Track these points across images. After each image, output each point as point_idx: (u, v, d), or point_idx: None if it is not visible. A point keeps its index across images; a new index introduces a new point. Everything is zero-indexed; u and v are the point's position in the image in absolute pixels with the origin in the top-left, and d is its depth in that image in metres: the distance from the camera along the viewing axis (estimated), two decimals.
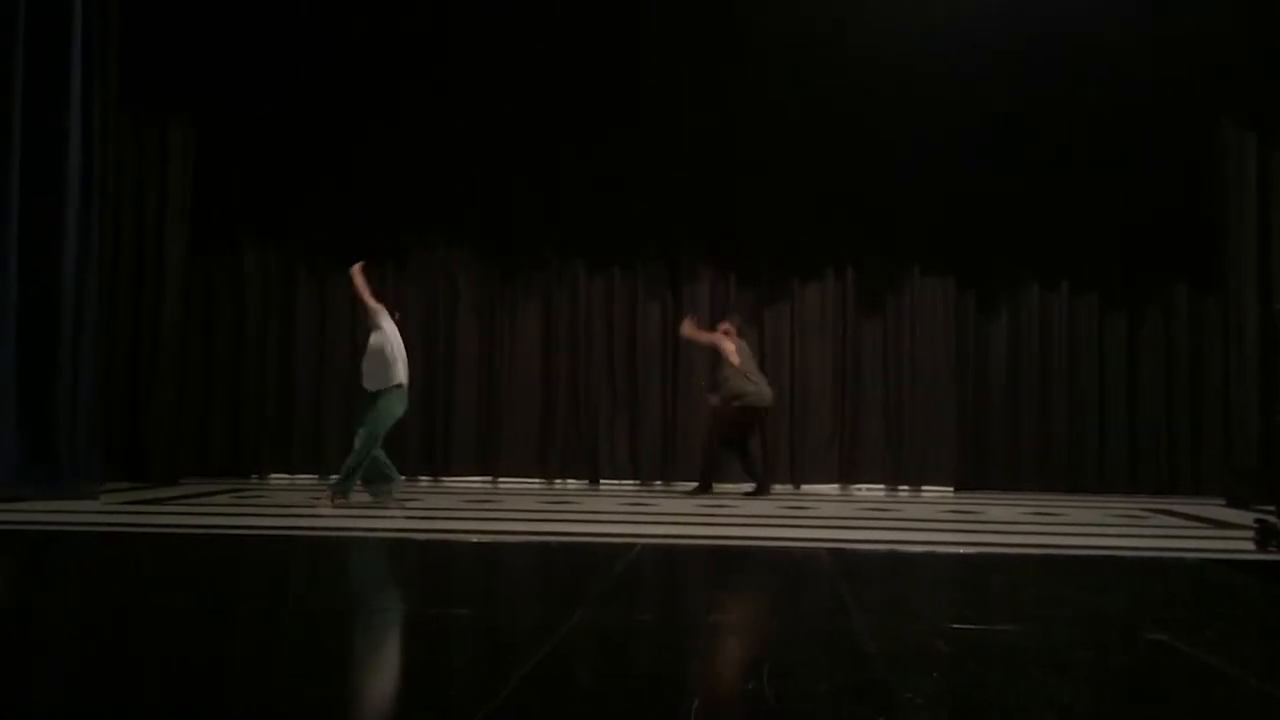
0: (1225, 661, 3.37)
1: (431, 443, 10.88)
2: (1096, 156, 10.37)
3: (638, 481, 10.74)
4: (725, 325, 9.73)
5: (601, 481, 10.72)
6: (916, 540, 6.47)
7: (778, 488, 10.52)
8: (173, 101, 10.12)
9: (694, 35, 10.60)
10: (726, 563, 5.80)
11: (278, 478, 10.65)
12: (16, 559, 5.62)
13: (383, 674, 3.28)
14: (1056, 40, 10.04)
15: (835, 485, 10.58)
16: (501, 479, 10.70)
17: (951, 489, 10.48)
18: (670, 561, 5.72)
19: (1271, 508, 6.97)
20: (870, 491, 10.26)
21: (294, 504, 8.31)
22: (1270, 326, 9.21)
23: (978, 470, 10.65)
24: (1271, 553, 5.98)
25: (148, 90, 9.88)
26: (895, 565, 5.68)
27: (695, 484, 9.64)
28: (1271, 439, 8.89)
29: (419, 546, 6.13)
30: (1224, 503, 9.25)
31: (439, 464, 10.80)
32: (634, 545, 5.85)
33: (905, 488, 10.57)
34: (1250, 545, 6.16)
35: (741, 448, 9.46)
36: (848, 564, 5.59)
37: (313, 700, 2.87)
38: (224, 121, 10.51)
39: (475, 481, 10.65)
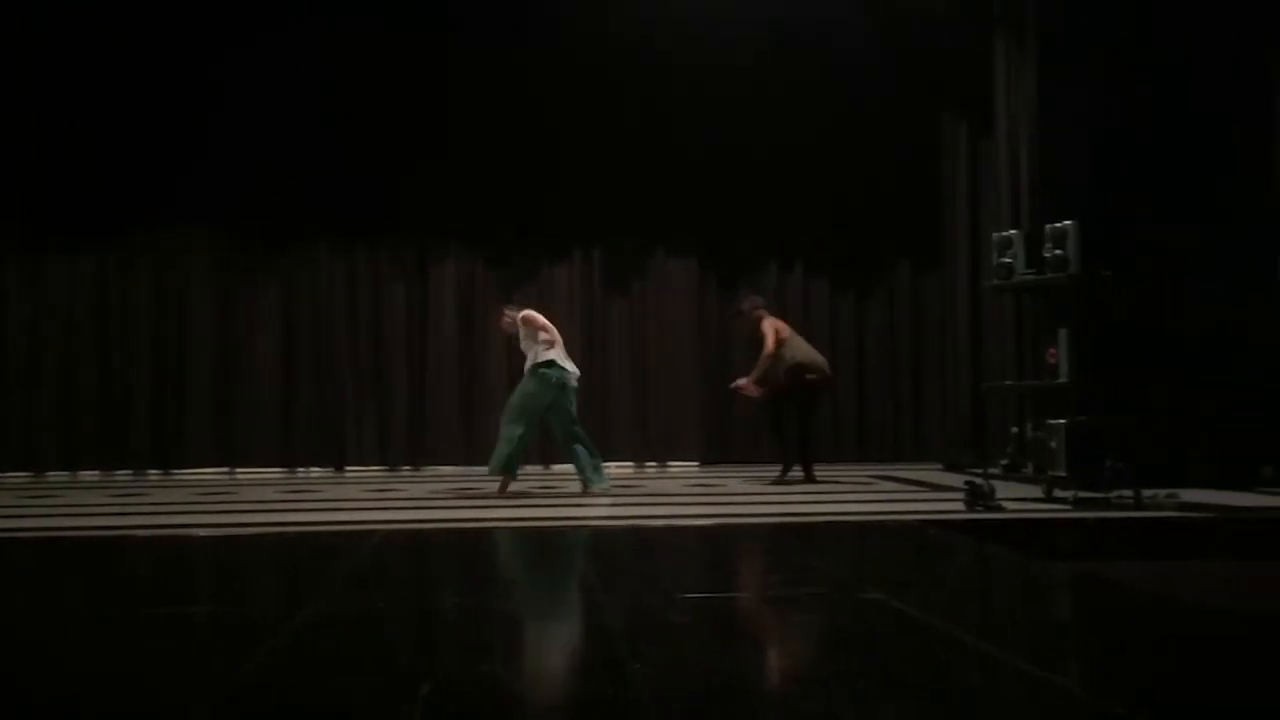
0: (933, 615, 3.60)
1: (162, 434, 10.30)
2: (828, 144, 10.81)
3: (386, 467, 10.52)
4: (758, 309, 8.89)
5: (347, 468, 10.44)
6: (659, 515, 6.62)
7: (529, 469, 10.54)
8: None
9: (444, 14, 10.41)
10: (469, 545, 5.75)
11: None
12: None
13: (96, 677, 3.07)
14: (792, 32, 10.43)
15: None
16: (239, 469, 10.24)
17: (697, 464, 10.80)
18: (412, 547, 5.63)
19: (980, 471, 7.56)
20: (619, 469, 10.42)
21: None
22: (978, 304, 9.95)
23: (721, 445, 11.01)
24: (979, 512, 6.47)
25: None
26: (637, 540, 5.79)
27: (803, 473, 8.66)
28: (980, 407, 9.62)
29: (142, 544, 5.77)
30: (942, 467, 9.92)
31: (170, 455, 10.23)
32: (374, 532, 5.72)
33: (653, 464, 10.82)
34: (961, 506, 6.64)
35: (782, 424, 8.79)
36: (591, 541, 5.66)
37: (33, 702, 2.66)
38: None
39: (211, 473, 10.15)
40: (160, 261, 10.49)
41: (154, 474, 10.10)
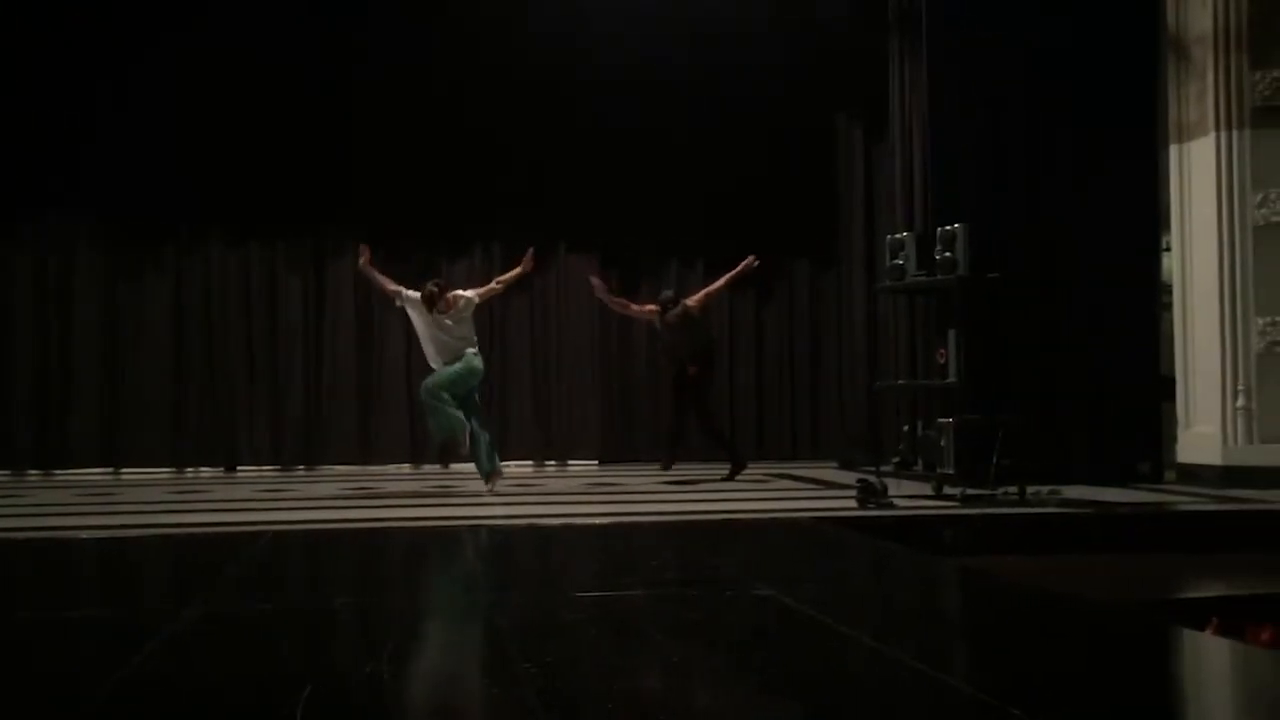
0: (822, 611, 3.66)
1: (44, 432, 9.94)
2: (729, 144, 10.88)
3: (279, 467, 10.31)
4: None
5: (239, 468, 10.20)
6: (557, 513, 6.61)
7: (429, 468, 10.44)
8: None
9: (342, 7, 10.26)
10: (363, 545, 5.68)
11: None
12: None
13: None
14: (693, 33, 10.50)
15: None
16: (126, 469, 9.94)
17: (597, 462, 10.80)
18: (304, 548, 5.53)
19: (873, 469, 7.70)
20: (520, 467, 10.37)
21: None
22: (873, 304, 10.14)
23: (622, 443, 11.00)
24: (871, 509, 6.60)
25: None
26: (533, 539, 5.78)
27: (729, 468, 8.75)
28: (874, 406, 9.80)
29: (21, 547, 5.57)
30: (837, 465, 10.07)
31: (52, 455, 9.87)
32: (264, 533, 5.60)
33: (553, 462, 10.79)
34: (854, 503, 6.76)
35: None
36: (487, 540, 5.63)
37: None
38: None
39: (95, 473, 9.82)
40: (42, 253, 10.12)
41: (34, 475, 9.73)
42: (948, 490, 7.23)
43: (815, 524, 6.19)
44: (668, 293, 9.18)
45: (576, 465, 10.71)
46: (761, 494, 7.86)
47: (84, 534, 5.85)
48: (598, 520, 6.31)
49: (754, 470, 9.10)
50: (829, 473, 9.50)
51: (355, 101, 10.39)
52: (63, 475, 9.70)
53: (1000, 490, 7.03)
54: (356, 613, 3.81)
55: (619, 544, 5.61)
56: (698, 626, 3.53)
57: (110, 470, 9.92)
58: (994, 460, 6.97)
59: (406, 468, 10.45)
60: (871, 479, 6.90)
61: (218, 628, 3.54)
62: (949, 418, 7.35)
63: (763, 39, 10.57)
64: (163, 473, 9.90)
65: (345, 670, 2.94)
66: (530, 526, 6.10)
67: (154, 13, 9.92)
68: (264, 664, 3.07)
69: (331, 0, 10.31)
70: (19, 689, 2.87)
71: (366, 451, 10.53)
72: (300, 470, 10.24)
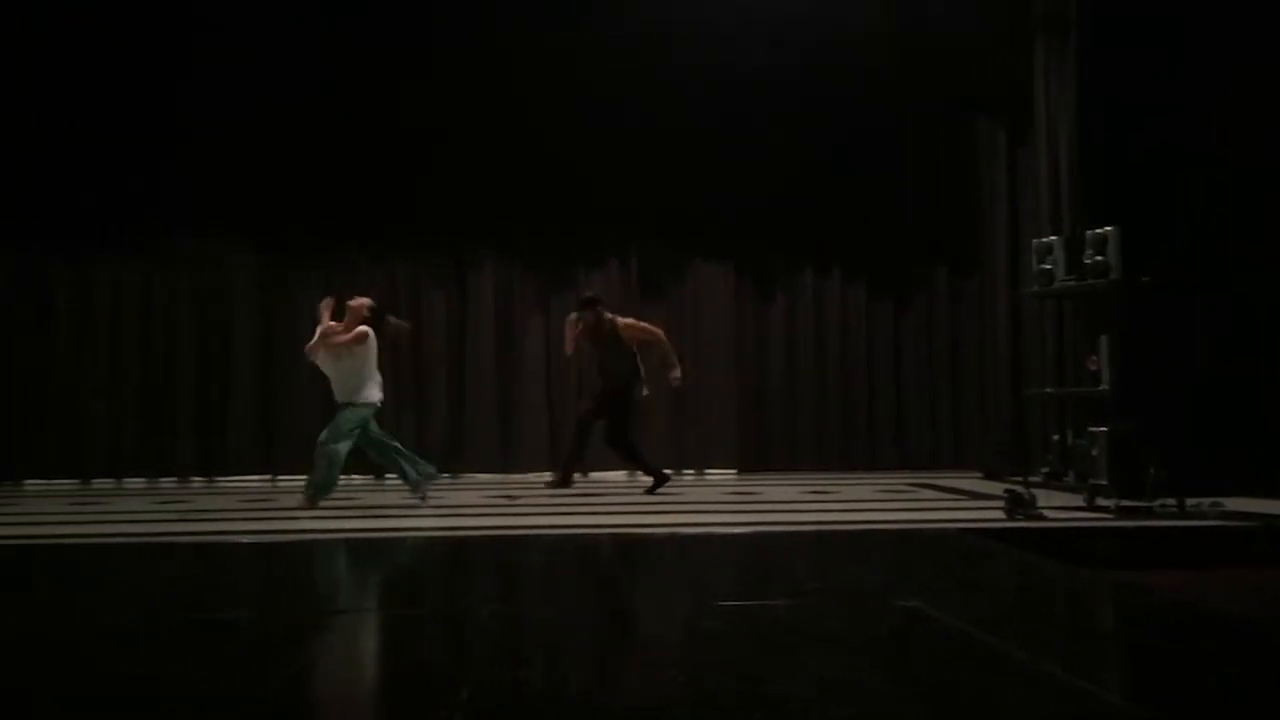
0: (968, 623, 3.59)
1: (206, 442, 10.43)
2: (865, 150, 10.75)
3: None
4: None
5: (387, 476, 10.48)
6: (697, 523, 6.62)
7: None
8: None
9: (481, 22, 10.52)
10: (510, 551, 5.79)
11: None
12: None
13: (131, 682, 3.12)
14: (826, 38, 10.41)
15: (623, 472, 10.68)
16: (282, 477, 10.34)
17: (735, 471, 10.78)
18: (453, 553, 5.67)
19: (1021, 479, 7.49)
20: None
21: None
22: (1017, 310, 9.87)
23: (759, 452, 10.96)
24: (1019, 521, 6.42)
25: None
26: (675, 548, 5.80)
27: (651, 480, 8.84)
28: (1020, 415, 9.54)
29: (191, 550, 5.86)
30: (982, 476, 9.84)
31: (214, 463, 10.36)
32: (410, 539, 5.76)
33: (690, 472, 10.80)
34: (1001, 514, 6.59)
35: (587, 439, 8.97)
36: (629, 549, 5.67)
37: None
38: None
39: (254, 480, 10.26)
40: (201, 270, 10.62)
41: (198, 481, 10.23)
42: (1101, 502, 6.99)
43: (960, 535, 6.05)
44: (587, 294, 9.09)
45: (714, 474, 10.71)
46: (904, 504, 7.73)
47: (244, 538, 6.11)
48: (738, 530, 6.30)
49: (894, 480, 8.94)
50: (973, 483, 9.28)
51: (489, 118, 10.58)
52: (224, 482, 10.16)
53: (1157, 502, 6.76)
54: (503, 619, 3.88)
55: (761, 553, 5.59)
56: (842, 637, 3.50)
57: (267, 478, 10.35)
58: (1150, 471, 6.71)
59: (547, 475, 10.59)
60: (1020, 489, 6.71)
61: (371, 630, 3.66)
62: (1101, 426, 7.10)
63: (901, 42, 10.43)
64: None
65: (500, 674, 3.00)
66: (670, 536, 6.12)
67: (303, 46, 10.31)
68: (419, 667, 3.16)
69: (467, 21, 10.56)
70: (187, 689, 3.01)
71: (507, 459, 10.73)
72: (444, 477, 10.47)
